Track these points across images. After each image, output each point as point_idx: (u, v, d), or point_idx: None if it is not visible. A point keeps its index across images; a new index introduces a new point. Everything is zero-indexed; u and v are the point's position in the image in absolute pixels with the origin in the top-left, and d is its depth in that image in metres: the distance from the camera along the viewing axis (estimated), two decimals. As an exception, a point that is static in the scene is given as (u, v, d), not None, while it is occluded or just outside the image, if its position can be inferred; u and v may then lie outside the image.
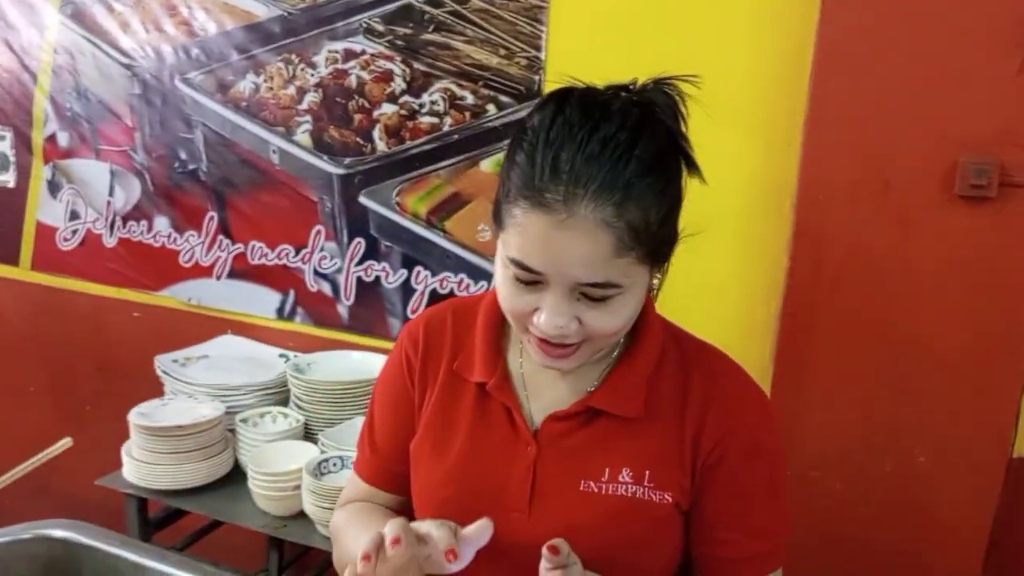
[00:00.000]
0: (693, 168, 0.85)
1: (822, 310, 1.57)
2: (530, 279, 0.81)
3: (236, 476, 1.84)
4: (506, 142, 1.82)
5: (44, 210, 2.43)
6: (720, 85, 1.64)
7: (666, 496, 0.91)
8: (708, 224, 1.70)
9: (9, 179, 2.44)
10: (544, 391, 0.96)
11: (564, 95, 0.82)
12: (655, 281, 0.88)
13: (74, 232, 2.40)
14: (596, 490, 0.91)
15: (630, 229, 0.77)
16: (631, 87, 0.85)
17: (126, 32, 2.18)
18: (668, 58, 1.67)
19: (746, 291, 1.70)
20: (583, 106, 0.79)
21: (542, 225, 0.77)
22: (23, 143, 2.40)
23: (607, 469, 0.91)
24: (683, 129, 0.84)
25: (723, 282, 1.70)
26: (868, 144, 1.47)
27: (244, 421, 1.85)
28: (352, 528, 1.00)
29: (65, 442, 1.04)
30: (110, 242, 2.35)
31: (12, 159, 2.42)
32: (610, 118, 0.78)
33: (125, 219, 2.31)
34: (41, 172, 2.40)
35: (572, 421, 0.93)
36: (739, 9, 1.61)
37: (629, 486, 0.90)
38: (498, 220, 0.84)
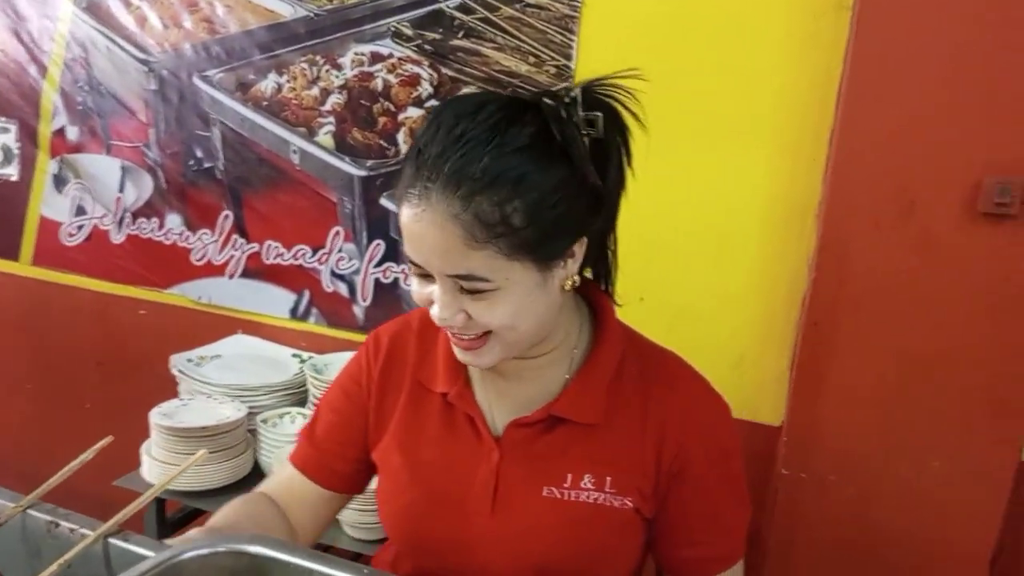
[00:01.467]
0: (578, 171, 0.84)
1: (844, 321, 1.61)
2: (419, 272, 0.87)
3: (256, 477, 1.84)
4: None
5: (48, 204, 2.39)
6: (750, 100, 1.70)
7: (626, 501, 0.94)
8: (731, 236, 1.73)
9: (12, 172, 2.40)
10: (506, 398, 0.99)
11: (448, 101, 0.88)
12: (560, 278, 0.89)
13: (79, 227, 2.37)
14: (559, 495, 0.94)
15: (479, 222, 0.80)
16: (553, 89, 0.88)
17: (143, 27, 2.16)
18: (698, 71, 1.73)
19: (767, 301, 1.75)
20: (456, 108, 0.84)
21: (407, 218, 0.83)
22: (28, 136, 2.36)
23: (569, 475, 0.94)
24: (621, 136, 0.89)
25: (744, 292, 1.75)
26: (894, 162, 1.52)
27: (264, 422, 1.85)
28: (226, 512, 1.00)
29: (107, 440, 1.07)
30: (118, 238, 2.32)
31: (16, 152, 2.38)
32: (475, 116, 0.82)
33: (135, 216, 2.29)
34: (47, 166, 2.36)
35: (534, 428, 0.96)
36: (771, 26, 1.65)
37: (591, 492, 0.93)
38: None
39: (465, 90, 1.89)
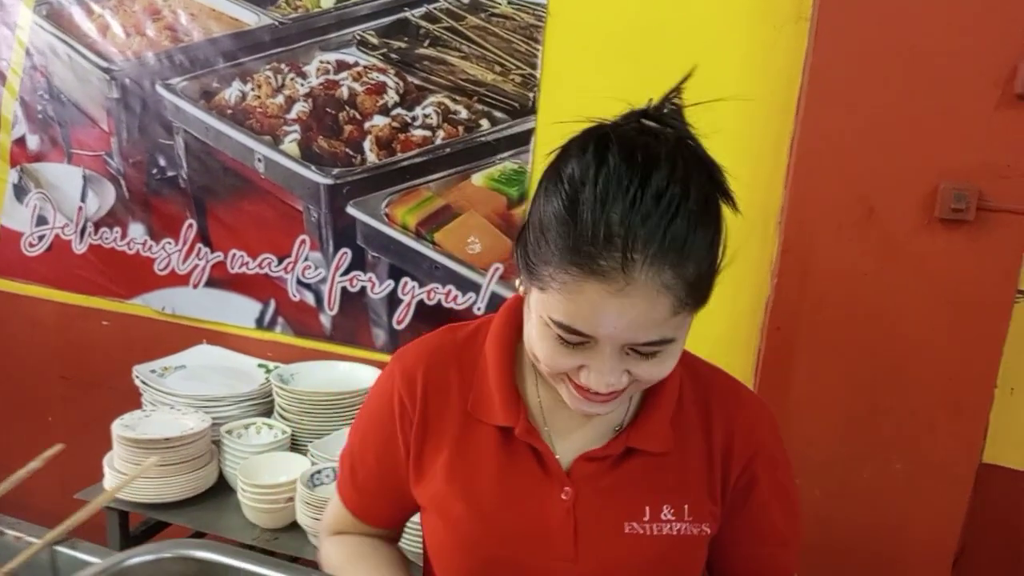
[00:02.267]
0: (729, 199, 0.80)
1: (806, 325, 1.64)
2: (577, 341, 0.77)
3: (220, 488, 1.82)
4: (500, 156, 1.88)
5: (8, 215, 2.35)
6: (712, 108, 1.71)
7: (704, 528, 0.91)
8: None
9: (-30, 182, 2.36)
10: (569, 428, 0.92)
11: (602, 140, 0.75)
12: None
13: (41, 238, 2.33)
14: (641, 531, 0.89)
15: (687, 287, 0.73)
16: (650, 111, 0.80)
17: (105, 35, 2.14)
18: (661, 79, 1.74)
19: (732, 306, 1.77)
20: (627, 154, 0.73)
21: (596, 293, 0.72)
22: (-13, 145, 2.33)
23: (647, 508, 0.89)
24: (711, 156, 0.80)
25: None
26: (853, 169, 1.55)
27: (229, 433, 1.83)
28: (349, 567, 0.97)
29: (57, 448, 1.04)
30: (80, 249, 2.29)
31: (-26, 161, 2.34)
32: (658, 166, 0.72)
33: (97, 225, 2.26)
34: (7, 175, 2.32)
35: (606, 461, 0.90)
36: (733, 36, 1.67)
37: (673, 524, 0.89)
38: (533, 276, 0.77)
39: (434, 97, 1.90)
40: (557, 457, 0.91)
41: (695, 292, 0.74)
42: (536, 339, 0.81)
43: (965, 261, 1.51)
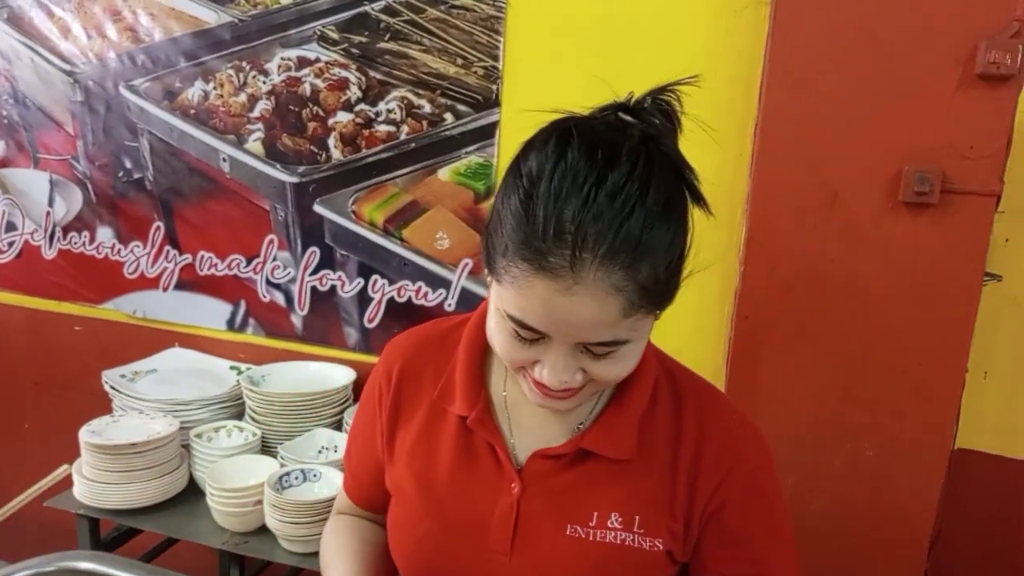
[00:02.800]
0: (700, 202, 0.78)
1: (774, 313, 1.62)
2: (531, 336, 0.76)
3: (191, 493, 1.81)
4: (465, 150, 1.87)
5: (-23, 221, 2.33)
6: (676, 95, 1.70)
7: (656, 543, 0.86)
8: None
9: (-63, 189, 2.34)
10: (530, 424, 0.91)
11: (564, 135, 0.73)
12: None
13: (10, 244, 2.31)
14: (583, 535, 0.86)
15: (640, 289, 0.71)
16: (629, 104, 0.78)
17: (67, 37, 2.12)
18: (623, 68, 1.73)
19: (700, 295, 1.75)
20: (587, 149, 0.71)
21: (544, 290, 0.71)
22: (-48, 151, 2.30)
23: (595, 513, 0.86)
24: (683, 156, 0.77)
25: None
26: (816, 154, 1.53)
27: (199, 436, 1.81)
28: (328, 549, 1.01)
29: (63, 469, 1.02)
30: (49, 254, 2.27)
31: (-59, 168, 2.32)
32: (617, 163, 0.70)
33: (66, 230, 2.24)
34: (-27, 182, 2.30)
35: (560, 461, 0.88)
36: (693, 22, 1.66)
37: (618, 532, 0.85)
38: (491, 268, 0.77)
39: (397, 92, 1.87)
40: (514, 452, 0.90)
41: (649, 295, 0.72)
42: (494, 331, 0.80)
43: (931, 245, 1.49)
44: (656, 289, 0.72)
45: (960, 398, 1.57)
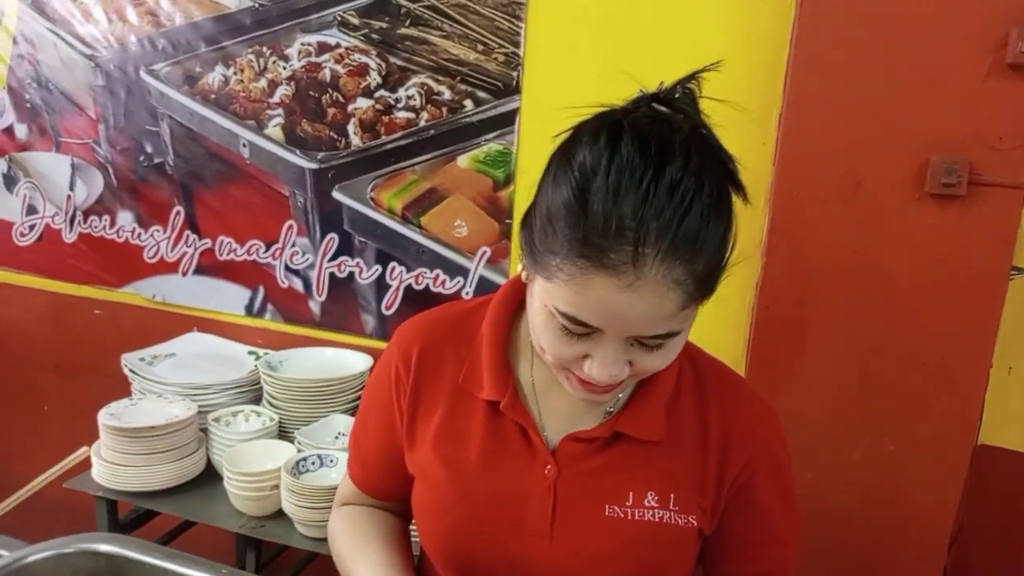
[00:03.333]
0: (741, 190, 0.78)
1: (795, 304, 1.60)
2: (582, 331, 0.76)
3: (209, 476, 1.81)
4: (484, 137, 1.85)
5: (-1, 204, 2.35)
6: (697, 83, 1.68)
7: (691, 520, 0.89)
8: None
9: (-39, 172, 2.36)
10: (559, 408, 0.92)
11: (615, 128, 0.73)
12: None
13: (31, 227, 2.33)
14: (622, 515, 0.87)
15: (697, 282, 0.72)
16: (661, 95, 0.77)
17: (89, 22, 2.12)
18: (645, 55, 1.71)
19: (721, 286, 1.73)
20: (640, 143, 0.71)
21: (604, 287, 0.71)
22: (-25, 135, 2.32)
23: (631, 493, 0.88)
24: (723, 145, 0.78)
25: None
26: (841, 143, 1.50)
27: (217, 420, 1.82)
28: (346, 539, 1.00)
29: (83, 451, 1.03)
30: (70, 237, 2.29)
31: (-36, 152, 2.34)
32: (672, 157, 0.70)
33: (86, 214, 2.25)
34: (-4, 165, 2.32)
35: (593, 443, 0.90)
36: (717, 8, 1.63)
37: (656, 511, 0.87)
38: (539, 264, 0.76)
39: (417, 78, 1.86)
40: (544, 435, 0.91)
41: (705, 286, 0.73)
42: (540, 329, 0.80)
43: (957, 237, 1.47)
44: (710, 281, 0.74)
45: (984, 393, 1.55)
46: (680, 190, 0.69)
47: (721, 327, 1.75)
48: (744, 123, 1.63)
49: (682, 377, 0.92)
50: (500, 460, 0.90)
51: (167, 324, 2.20)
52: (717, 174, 0.73)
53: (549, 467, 0.89)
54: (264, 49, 1.97)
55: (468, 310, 0.98)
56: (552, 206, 0.74)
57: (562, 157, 0.75)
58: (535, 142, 1.79)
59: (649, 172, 0.69)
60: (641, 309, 0.72)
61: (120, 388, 1.98)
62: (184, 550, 1.88)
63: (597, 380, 0.78)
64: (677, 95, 0.77)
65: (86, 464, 1.79)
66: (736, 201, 0.78)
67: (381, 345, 2.03)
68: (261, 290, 2.12)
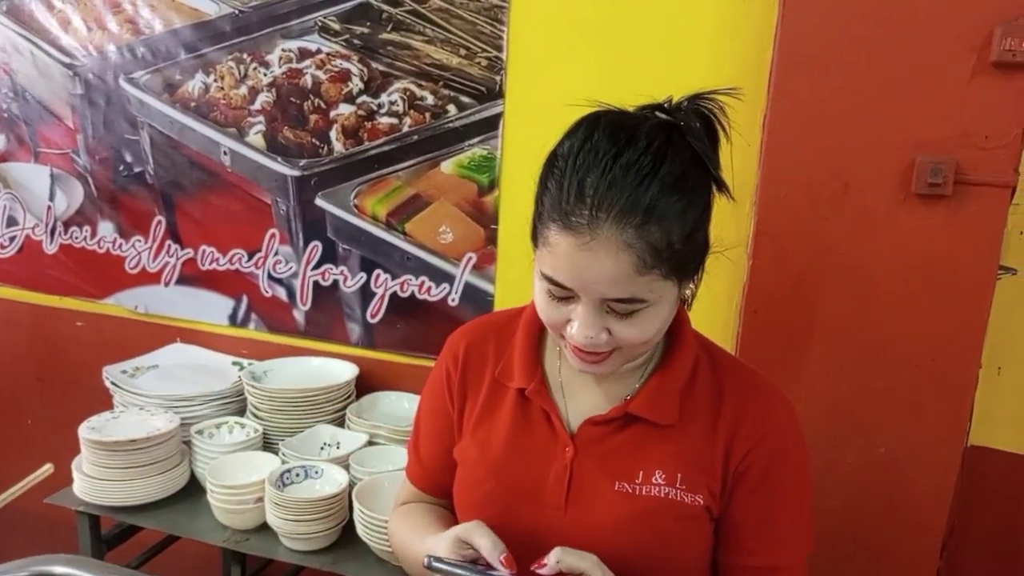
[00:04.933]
0: (721, 188, 0.89)
1: (784, 307, 1.59)
2: (562, 294, 0.87)
3: (193, 489, 1.79)
4: (468, 142, 1.84)
5: (-22, 216, 2.32)
6: (681, 86, 1.66)
7: (697, 498, 0.95)
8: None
9: (-62, 184, 2.32)
10: (582, 396, 1.01)
11: (594, 121, 0.86)
12: (688, 291, 0.94)
13: (11, 239, 2.30)
14: (630, 490, 0.95)
15: (651, 249, 0.82)
16: (665, 105, 0.88)
17: (67, 30, 2.09)
18: (630, 58, 1.69)
19: (708, 289, 1.71)
20: (610, 131, 0.84)
21: (568, 246, 0.83)
22: (-47, 146, 2.28)
23: (641, 472, 0.96)
24: (714, 148, 0.89)
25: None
26: (827, 144, 1.49)
27: (200, 433, 1.80)
28: (404, 529, 1.09)
29: (46, 468, 1.00)
30: (51, 249, 2.26)
31: (-59, 163, 2.30)
32: (635, 142, 0.83)
33: (67, 224, 2.22)
34: (-26, 176, 2.29)
35: (609, 426, 0.98)
36: (701, 10, 1.62)
37: (662, 487, 0.95)
38: (533, 239, 0.89)
39: (400, 84, 1.85)
40: (567, 419, 1.00)
41: (662, 256, 0.82)
42: (536, 295, 0.92)
43: (944, 237, 1.46)
44: (669, 253, 0.83)
45: (974, 394, 1.54)
46: (635, 167, 0.82)
47: (709, 330, 1.71)
48: (729, 123, 1.63)
49: (699, 366, 1.00)
50: (525, 442, 1.00)
51: (150, 335, 2.18)
52: (684, 163, 0.84)
53: (568, 448, 0.98)
54: (244, 56, 1.95)
55: (512, 314, 1.09)
56: (542, 191, 0.88)
57: (554, 147, 0.89)
58: (519, 146, 1.78)
59: (612, 152, 0.83)
60: (598, 268, 0.82)
61: (103, 400, 1.95)
62: (169, 565, 1.87)
63: (578, 342, 0.88)
64: (683, 107, 0.88)
65: (67, 479, 1.76)
66: (720, 200, 0.90)
67: (366, 353, 2.01)
68: (244, 299, 2.09)
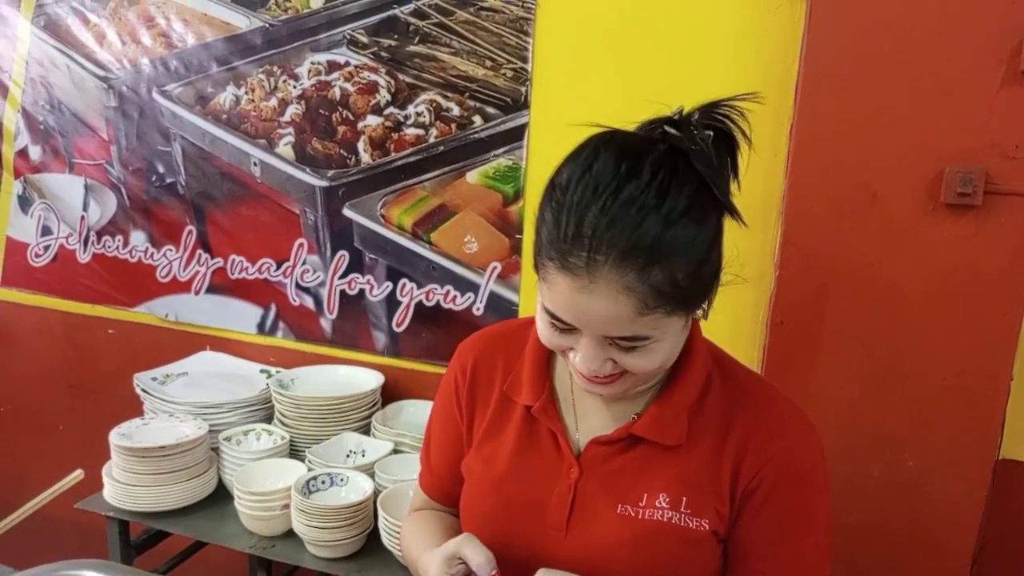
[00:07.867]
0: (732, 213, 0.84)
1: (810, 319, 1.58)
2: (564, 327, 0.84)
3: (220, 496, 1.81)
4: (494, 152, 1.85)
5: (14, 226, 2.37)
6: (705, 98, 1.67)
7: (703, 523, 0.91)
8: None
9: (-24, 194, 2.38)
10: (590, 415, 0.98)
11: (595, 148, 0.81)
12: (700, 311, 0.88)
13: (46, 248, 2.34)
14: (632, 514, 0.92)
15: (653, 291, 0.78)
16: (675, 118, 0.83)
17: (102, 44, 2.14)
18: (655, 69, 1.70)
19: (734, 301, 1.70)
20: (612, 162, 0.79)
21: (566, 287, 0.79)
22: (-9, 157, 2.34)
23: (645, 494, 0.92)
24: (732, 160, 0.84)
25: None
26: (854, 154, 1.49)
27: (228, 440, 1.82)
28: (413, 536, 1.08)
29: (77, 474, 1.02)
30: (84, 258, 2.30)
31: (-20, 174, 2.36)
32: (637, 175, 0.77)
33: (100, 234, 2.27)
34: (11, 187, 2.34)
35: (614, 446, 0.95)
36: (726, 21, 1.62)
37: (665, 511, 0.91)
38: (535, 265, 0.85)
39: (426, 95, 1.87)
40: (574, 438, 0.97)
41: (664, 296, 0.78)
42: (538, 323, 0.89)
43: (974, 248, 1.44)
44: (674, 292, 0.78)
45: (1005, 406, 1.51)
46: (636, 205, 0.76)
47: (735, 342, 1.72)
48: (755, 136, 1.63)
49: (710, 384, 0.95)
50: (530, 459, 0.98)
51: (180, 343, 2.21)
52: (691, 195, 0.78)
53: (573, 469, 0.95)
54: (274, 68, 1.98)
55: (522, 325, 1.06)
56: (539, 214, 0.84)
57: (555, 172, 0.84)
58: (544, 157, 1.79)
59: (611, 188, 0.77)
60: (597, 311, 0.79)
61: (133, 408, 1.98)
62: (196, 570, 1.89)
63: (582, 371, 0.86)
64: (693, 119, 0.83)
65: (97, 485, 1.79)
66: (733, 222, 0.84)
67: (392, 362, 2.02)
68: (273, 308, 2.12)
